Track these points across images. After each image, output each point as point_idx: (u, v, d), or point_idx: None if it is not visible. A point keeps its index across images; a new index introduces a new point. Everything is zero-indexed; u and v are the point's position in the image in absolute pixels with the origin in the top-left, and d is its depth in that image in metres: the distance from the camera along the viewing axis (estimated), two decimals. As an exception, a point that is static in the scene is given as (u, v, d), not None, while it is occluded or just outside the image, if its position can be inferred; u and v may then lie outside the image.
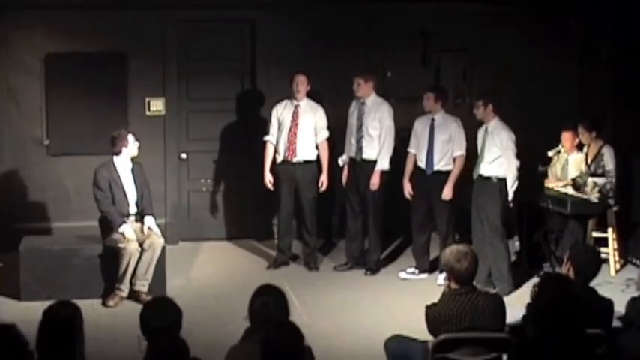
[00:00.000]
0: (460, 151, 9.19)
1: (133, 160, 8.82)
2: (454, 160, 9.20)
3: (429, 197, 9.27)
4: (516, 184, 8.86)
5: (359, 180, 9.55)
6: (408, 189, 9.36)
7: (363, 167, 9.51)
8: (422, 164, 9.29)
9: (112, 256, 8.58)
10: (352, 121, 9.58)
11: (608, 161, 9.51)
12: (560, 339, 4.53)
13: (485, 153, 8.90)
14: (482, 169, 8.93)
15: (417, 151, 9.33)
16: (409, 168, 9.39)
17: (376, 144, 9.42)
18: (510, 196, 8.86)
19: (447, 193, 9.13)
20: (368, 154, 9.46)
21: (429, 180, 9.23)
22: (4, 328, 4.55)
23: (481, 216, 8.93)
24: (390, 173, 9.47)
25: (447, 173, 9.18)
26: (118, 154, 8.73)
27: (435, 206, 9.26)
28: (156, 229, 8.72)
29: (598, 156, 9.57)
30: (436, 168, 9.21)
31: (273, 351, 4.47)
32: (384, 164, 9.40)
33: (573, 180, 9.59)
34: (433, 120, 9.24)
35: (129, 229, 8.56)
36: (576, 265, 5.83)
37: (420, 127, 9.34)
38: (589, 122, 9.68)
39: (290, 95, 9.63)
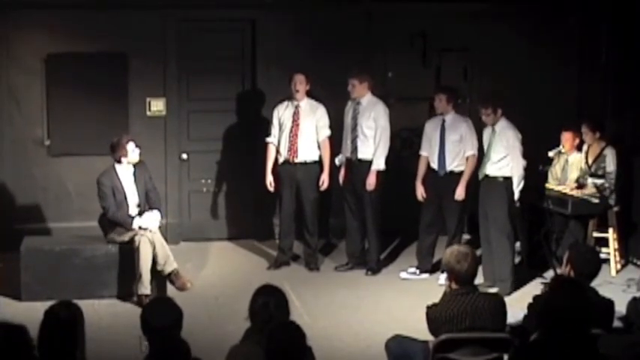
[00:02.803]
0: (472, 150, 9.18)
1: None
2: (466, 160, 9.20)
3: (441, 198, 9.26)
4: (523, 183, 8.86)
5: (355, 180, 9.56)
6: (420, 191, 9.33)
7: (358, 167, 9.50)
8: (434, 165, 9.27)
9: (121, 252, 8.70)
10: (347, 120, 9.58)
11: (610, 163, 9.51)
12: (565, 340, 4.53)
13: (491, 153, 8.89)
14: (488, 168, 8.92)
15: (429, 153, 9.31)
16: (421, 170, 9.36)
17: (371, 143, 9.41)
18: (517, 196, 8.86)
19: (460, 193, 9.12)
20: (363, 153, 9.45)
21: (442, 181, 9.21)
22: (15, 329, 4.55)
23: (488, 216, 8.92)
24: (388, 173, 9.46)
25: (460, 174, 9.17)
26: (118, 161, 8.76)
27: (446, 207, 9.24)
28: (151, 226, 8.71)
29: (600, 157, 9.58)
30: (449, 169, 9.19)
31: (277, 350, 4.48)
32: (379, 164, 9.40)
33: (577, 182, 9.56)
34: (444, 121, 9.23)
35: (141, 221, 8.67)
36: (576, 267, 5.83)
37: (431, 129, 9.34)
38: (593, 122, 9.69)
39: (291, 95, 9.63)
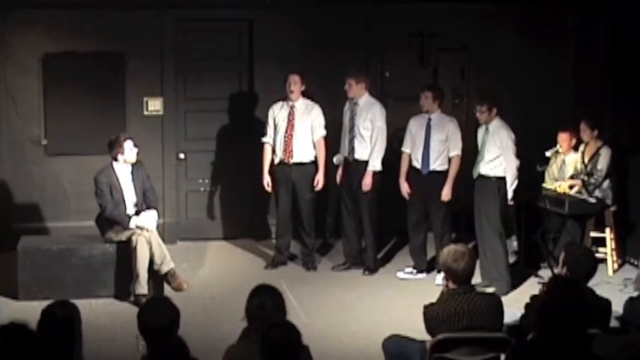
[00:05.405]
0: (456, 150, 9.19)
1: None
2: (449, 160, 9.20)
3: (425, 197, 9.27)
4: (516, 182, 8.86)
5: (352, 180, 9.56)
6: (405, 188, 9.35)
7: (355, 167, 9.51)
8: (417, 164, 9.28)
9: (118, 251, 8.71)
10: (345, 121, 9.59)
11: (602, 161, 9.50)
12: (562, 340, 4.54)
13: (484, 152, 8.90)
14: (481, 168, 8.94)
15: (413, 151, 9.32)
16: (404, 167, 9.38)
17: (367, 144, 9.41)
18: (510, 195, 8.87)
19: (446, 193, 9.13)
20: (360, 154, 9.46)
21: (425, 180, 9.23)
22: (16, 329, 4.50)
23: (481, 215, 8.93)
24: (385, 173, 9.46)
25: (443, 173, 9.17)
26: (115, 159, 8.76)
27: (431, 206, 9.26)
28: (148, 225, 8.71)
29: (595, 156, 9.58)
30: (432, 167, 9.20)
31: (272, 349, 4.48)
32: (375, 165, 9.39)
33: (583, 180, 9.53)
34: (430, 119, 9.24)
35: (138, 220, 8.66)
36: (571, 268, 5.82)
37: (416, 127, 9.33)
38: (592, 120, 9.70)
39: (286, 95, 9.61)
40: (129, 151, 8.78)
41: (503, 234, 8.96)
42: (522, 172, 8.93)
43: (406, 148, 9.40)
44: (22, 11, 10.16)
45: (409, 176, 9.34)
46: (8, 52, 10.23)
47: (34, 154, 10.39)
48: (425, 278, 9.36)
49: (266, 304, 4.95)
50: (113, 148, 8.77)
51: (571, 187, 9.53)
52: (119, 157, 8.77)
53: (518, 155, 8.84)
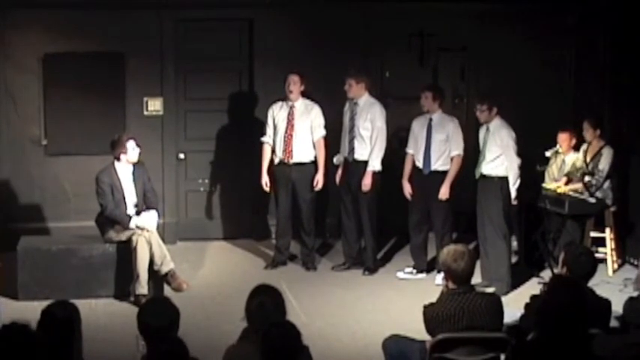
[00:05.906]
0: (457, 150, 9.19)
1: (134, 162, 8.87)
2: (451, 159, 9.20)
3: (427, 197, 9.27)
4: (519, 181, 8.86)
5: (351, 180, 9.56)
6: (407, 189, 9.35)
7: (355, 167, 9.51)
8: (419, 164, 9.28)
9: (118, 251, 8.71)
10: (345, 121, 9.60)
11: (604, 161, 9.51)
12: (562, 340, 4.54)
13: (486, 152, 8.91)
14: (483, 168, 8.94)
15: (415, 151, 9.33)
16: (408, 168, 9.39)
17: (367, 144, 9.41)
18: (513, 194, 8.88)
19: (444, 192, 9.13)
20: (359, 154, 9.46)
21: (427, 180, 9.23)
22: (18, 329, 4.48)
23: (484, 215, 8.93)
24: (384, 173, 9.46)
25: (444, 173, 9.18)
26: (117, 159, 8.76)
27: (432, 206, 9.26)
28: (148, 225, 8.70)
29: (597, 155, 9.58)
30: (433, 167, 9.20)
31: (272, 349, 4.48)
32: (375, 165, 9.39)
33: (584, 183, 9.52)
34: (431, 120, 9.24)
35: (139, 220, 8.65)
36: (571, 268, 5.82)
37: (418, 127, 9.34)
38: (595, 119, 9.71)
39: (286, 95, 9.61)
40: (131, 151, 8.79)
41: (507, 234, 8.96)
42: (522, 172, 8.93)
43: (409, 149, 9.40)
44: (22, 11, 10.16)
45: (412, 177, 9.35)
46: (8, 52, 10.23)
47: (34, 154, 10.39)
48: (425, 278, 9.36)
49: (266, 304, 4.95)
50: (116, 148, 8.77)
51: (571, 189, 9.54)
52: (122, 156, 8.77)
53: (519, 154, 8.84)
